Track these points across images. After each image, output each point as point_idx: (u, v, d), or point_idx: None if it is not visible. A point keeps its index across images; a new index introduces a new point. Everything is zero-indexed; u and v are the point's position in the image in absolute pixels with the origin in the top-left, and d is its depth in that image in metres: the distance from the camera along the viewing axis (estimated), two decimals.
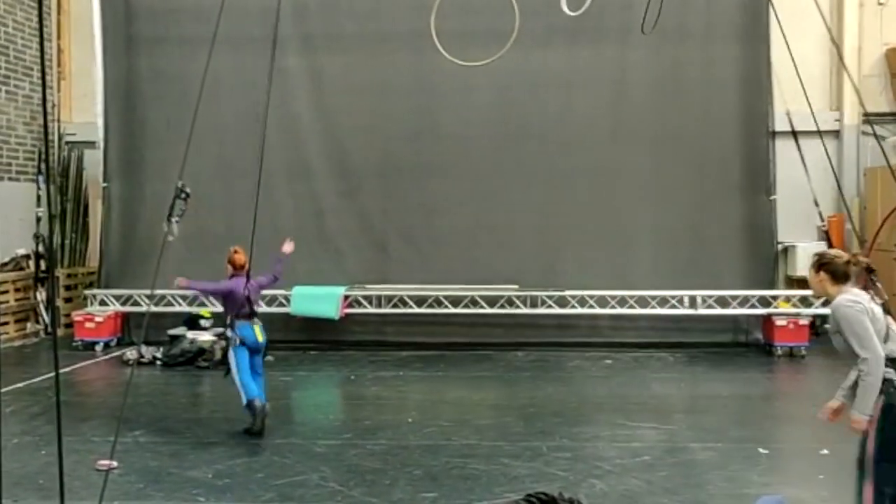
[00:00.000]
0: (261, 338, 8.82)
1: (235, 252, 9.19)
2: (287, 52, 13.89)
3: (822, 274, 5.55)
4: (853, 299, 5.37)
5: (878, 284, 5.99)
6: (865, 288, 5.66)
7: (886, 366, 5.24)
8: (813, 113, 11.11)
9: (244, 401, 8.52)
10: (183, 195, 5.44)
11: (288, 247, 9.68)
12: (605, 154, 13.49)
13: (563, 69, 13.58)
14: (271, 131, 13.96)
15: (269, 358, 12.35)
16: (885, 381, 5.22)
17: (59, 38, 15.59)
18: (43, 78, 4.12)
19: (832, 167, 12.19)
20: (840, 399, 5.67)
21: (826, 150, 11.42)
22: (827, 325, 14.51)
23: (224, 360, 12.09)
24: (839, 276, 5.51)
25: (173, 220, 5.49)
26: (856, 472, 5.42)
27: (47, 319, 14.41)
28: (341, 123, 13.87)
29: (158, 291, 12.98)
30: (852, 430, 5.35)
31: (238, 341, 8.70)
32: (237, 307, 8.81)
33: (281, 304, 13.20)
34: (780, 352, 12.58)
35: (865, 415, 5.24)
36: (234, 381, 8.63)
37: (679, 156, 13.45)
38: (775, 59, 13.41)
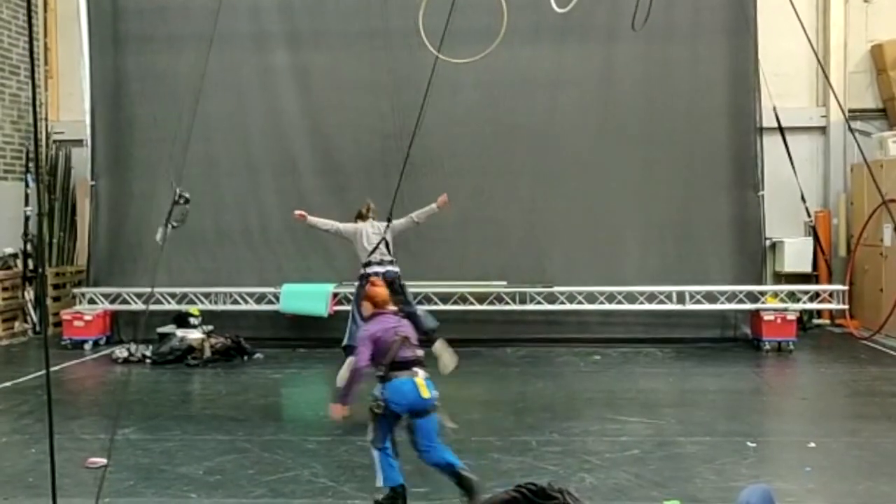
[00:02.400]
0: (426, 393, 6.29)
1: (373, 284, 7.05)
2: (273, 49, 13.92)
3: None
4: None
5: None
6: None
7: None
8: (798, 109, 11.11)
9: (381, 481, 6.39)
10: (182, 200, 5.43)
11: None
12: (593, 151, 13.53)
13: (551, 66, 13.61)
14: (258, 129, 14.01)
15: (259, 355, 12.46)
16: None
17: (45, 36, 15.52)
18: (32, 76, 4.13)
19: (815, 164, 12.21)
20: None
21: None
22: (815, 321, 14.60)
23: (214, 359, 12.15)
24: None
25: (170, 225, 5.48)
26: None
27: (35, 318, 14.36)
28: (328, 121, 13.86)
29: (146, 289, 12.98)
30: None
31: (382, 407, 6.29)
32: (392, 355, 6.38)
33: (270, 302, 13.19)
34: (767, 347, 12.65)
35: None
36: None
37: (667, 152, 13.49)
38: (762, 55, 13.49)
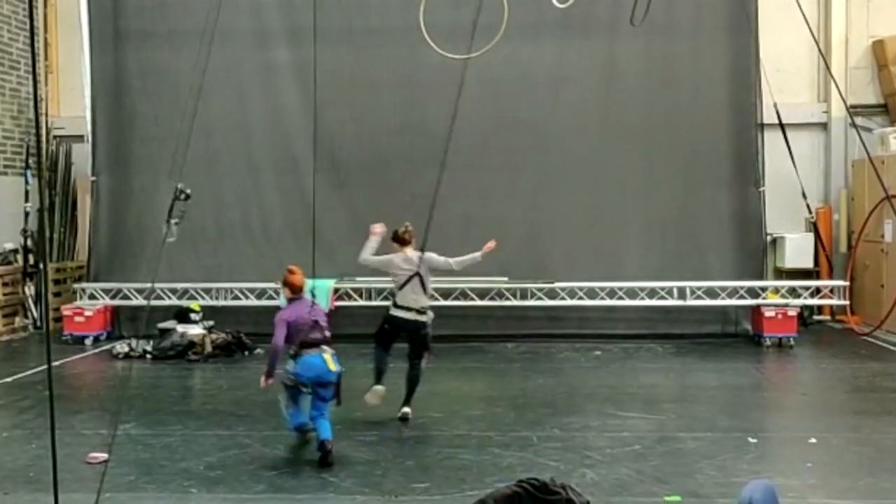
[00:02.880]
0: (333, 366, 7.60)
1: (291, 273, 8.08)
2: (274, 45, 13.91)
3: None
4: None
5: None
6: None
7: None
8: (799, 105, 11.11)
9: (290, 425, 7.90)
10: (182, 196, 5.43)
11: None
12: (595, 147, 13.53)
13: (552, 62, 13.61)
14: (259, 125, 14.01)
15: (259, 351, 12.46)
16: None
17: (45, 31, 15.51)
18: (34, 72, 4.12)
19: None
20: None
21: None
22: (816, 317, 14.58)
23: (215, 354, 12.15)
24: None
25: (172, 221, 5.48)
26: None
27: (36, 314, 14.37)
28: (329, 117, 13.83)
29: (148, 285, 12.98)
30: None
31: (292, 380, 7.66)
32: (304, 334, 7.67)
33: (271, 298, 13.18)
34: (768, 342, 12.65)
35: None
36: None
37: (668, 148, 13.49)
38: (763, 51, 13.48)
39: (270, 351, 7.81)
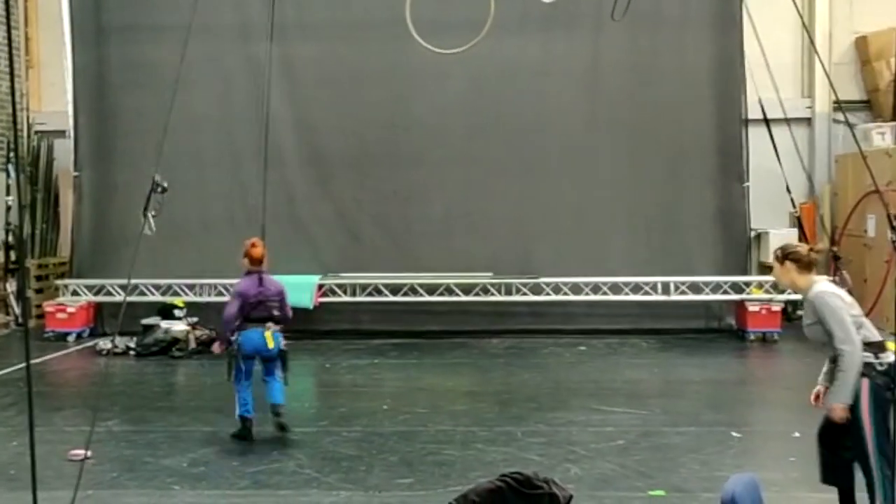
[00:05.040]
0: (271, 343, 7.98)
1: (253, 245, 8.28)
2: (258, 40, 13.82)
3: (787, 264, 5.67)
4: (836, 292, 5.48)
5: (845, 273, 6.06)
6: (834, 276, 5.77)
7: (864, 350, 5.31)
8: (784, 101, 11.13)
9: (237, 412, 8.00)
10: (159, 189, 5.36)
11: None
12: (579, 142, 13.52)
13: (537, 57, 13.58)
14: (243, 120, 13.93)
15: None
16: (866, 364, 5.30)
17: (26, 25, 15.36)
18: (10, 66, 4.07)
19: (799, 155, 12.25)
20: (822, 384, 5.76)
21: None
22: (800, 312, 14.63)
23: (199, 350, 12.09)
24: (804, 264, 5.61)
25: (150, 214, 5.41)
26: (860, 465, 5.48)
27: (17, 310, 14.25)
28: (314, 111, 13.80)
29: (132, 281, 12.89)
30: (831, 418, 5.45)
31: (234, 350, 8.01)
32: (249, 309, 8.04)
33: None
34: (752, 337, 12.69)
35: (843, 402, 5.33)
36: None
37: (652, 143, 13.50)
38: (748, 46, 13.50)
39: (223, 321, 8.22)
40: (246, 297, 8.01)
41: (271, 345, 7.94)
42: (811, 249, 5.70)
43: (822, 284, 5.57)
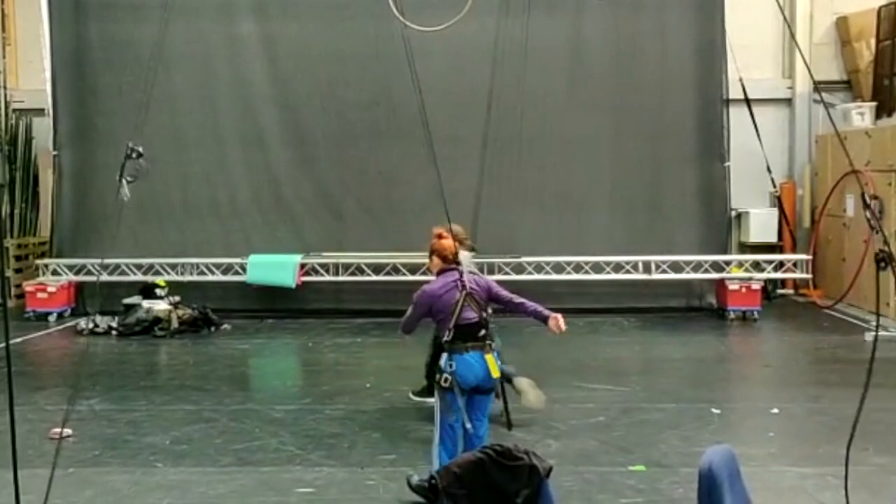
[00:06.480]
0: (495, 372, 5.89)
1: (440, 237, 6.37)
2: (240, 18, 13.73)
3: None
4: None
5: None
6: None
7: None
8: (765, 81, 11.16)
9: (434, 467, 5.81)
10: (134, 155, 5.30)
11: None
12: (561, 121, 13.53)
13: (519, 37, 13.53)
14: (225, 99, 13.85)
15: (226, 326, 12.40)
16: None
17: (2, 2, 15.18)
18: None
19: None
20: None
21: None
22: (780, 291, 14.74)
23: (181, 330, 12.05)
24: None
25: (125, 180, 5.36)
26: None
27: None
28: (296, 91, 13.74)
29: (112, 260, 12.85)
30: None
31: (448, 381, 5.76)
32: (451, 323, 5.83)
33: (237, 273, 13.11)
34: (732, 316, 12.79)
35: None
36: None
37: (634, 123, 13.53)
38: (729, 27, 13.53)
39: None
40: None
41: (495, 373, 5.94)
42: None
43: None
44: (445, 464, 5.40)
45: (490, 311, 6.24)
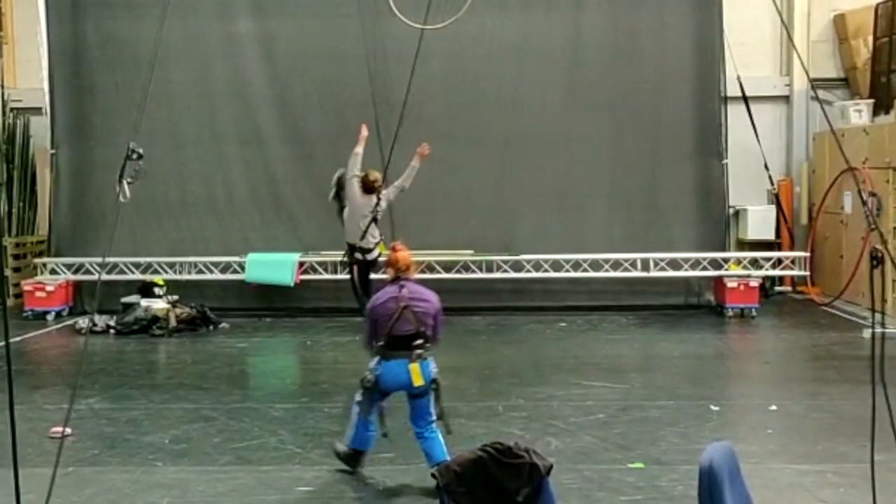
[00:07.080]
0: (417, 380, 6.16)
1: (394, 249, 6.57)
2: (238, 17, 13.72)
3: None
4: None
5: None
6: None
7: None
8: (762, 78, 11.16)
9: (347, 442, 6.56)
10: (134, 155, 5.28)
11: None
12: (559, 119, 13.53)
13: (517, 35, 13.54)
14: (223, 97, 13.84)
15: (224, 325, 12.39)
16: None
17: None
18: None
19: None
20: None
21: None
22: (778, 288, 14.77)
23: (180, 328, 12.05)
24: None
25: (125, 181, 5.35)
26: None
27: None
28: (294, 89, 13.72)
29: (111, 259, 12.83)
30: None
31: (371, 382, 6.24)
32: (385, 331, 6.17)
33: (235, 272, 13.11)
34: (731, 313, 12.79)
35: None
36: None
37: (632, 121, 13.53)
38: (727, 24, 13.54)
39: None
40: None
41: (418, 381, 6.21)
42: None
43: None
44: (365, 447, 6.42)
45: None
